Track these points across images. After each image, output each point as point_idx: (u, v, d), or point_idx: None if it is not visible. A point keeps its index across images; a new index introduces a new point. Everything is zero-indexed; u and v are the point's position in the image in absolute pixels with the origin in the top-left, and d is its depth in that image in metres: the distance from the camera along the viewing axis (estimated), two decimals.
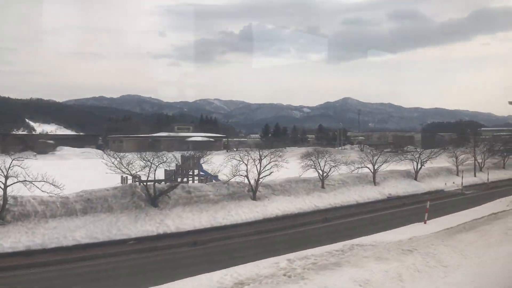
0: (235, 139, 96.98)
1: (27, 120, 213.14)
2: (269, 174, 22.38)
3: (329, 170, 26.11)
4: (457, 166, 37.86)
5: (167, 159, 21.22)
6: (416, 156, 33.30)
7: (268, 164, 22.47)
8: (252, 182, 21.97)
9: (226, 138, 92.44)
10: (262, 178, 22.28)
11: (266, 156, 22.85)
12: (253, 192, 21.99)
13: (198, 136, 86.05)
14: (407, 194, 29.73)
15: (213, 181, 24.87)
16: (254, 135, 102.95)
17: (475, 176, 38.62)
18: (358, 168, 29.50)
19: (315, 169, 25.94)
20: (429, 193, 31.27)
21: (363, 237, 15.79)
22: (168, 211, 18.40)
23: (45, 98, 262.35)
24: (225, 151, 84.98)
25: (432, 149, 38.69)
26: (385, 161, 30.03)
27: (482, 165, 41.42)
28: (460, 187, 33.23)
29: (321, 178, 25.86)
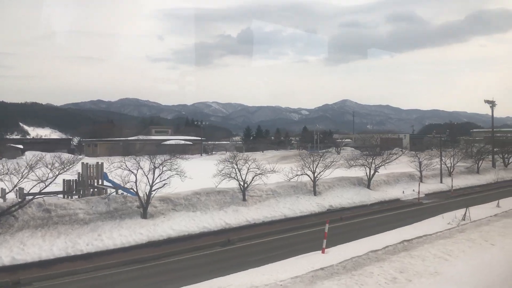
0: (216, 142, 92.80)
1: (21, 124, 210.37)
2: (163, 186, 18.37)
3: (252, 179, 22.07)
4: (420, 171, 33.74)
5: (70, 166, 17.36)
6: (369, 161, 29.18)
7: (162, 174, 18.49)
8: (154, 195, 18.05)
9: (204, 141, 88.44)
10: (155, 190, 18.29)
11: (162, 164, 18.87)
12: (143, 208, 18.00)
13: (174, 140, 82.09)
14: (354, 206, 25.67)
15: (124, 193, 20.83)
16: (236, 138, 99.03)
17: (441, 182, 34.46)
18: (297, 175, 25.43)
19: (235, 178, 21.89)
20: (381, 203, 27.29)
21: (232, 276, 11.80)
22: (9, 237, 14.39)
23: (43, 102, 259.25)
24: (203, 155, 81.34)
25: (391, 152, 34.63)
26: (327, 167, 25.98)
27: (452, 170, 37.27)
28: (420, 196, 29.20)
29: (242, 188, 21.82)
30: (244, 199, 21.55)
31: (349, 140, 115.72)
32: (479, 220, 19.17)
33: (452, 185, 33.41)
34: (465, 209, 19.85)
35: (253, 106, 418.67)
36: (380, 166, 29.42)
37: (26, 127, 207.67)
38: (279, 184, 24.19)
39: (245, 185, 21.70)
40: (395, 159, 32.68)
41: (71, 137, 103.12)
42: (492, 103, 44.31)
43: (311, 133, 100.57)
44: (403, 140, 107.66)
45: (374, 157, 29.99)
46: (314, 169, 25.25)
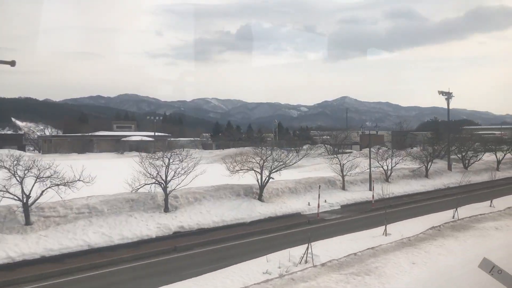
0: (186, 138, 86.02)
1: (13, 119, 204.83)
2: None
3: (42, 193, 15.39)
4: (342, 176, 26.86)
5: None
6: (260, 163, 22.32)
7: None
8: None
9: (170, 137, 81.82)
10: None
11: None
12: None
13: (136, 136, 75.60)
14: (223, 225, 19.02)
15: None
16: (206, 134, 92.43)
17: (370, 189, 27.55)
18: (143, 185, 18.70)
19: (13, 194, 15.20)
20: (269, 220, 20.64)
21: None
22: None
23: (40, 98, 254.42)
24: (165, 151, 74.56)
25: (303, 149, 27.82)
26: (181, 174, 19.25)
27: (389, 174, 30.39)
28: (330, 209, 22.46)
29: (24, 207, 15.14)
30: (27, 223, 14.86)
31: (327, 136, 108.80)
32: (344, 258, 12.37)
33: (383, 193, 26.52)
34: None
35: (253, 102, 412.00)
36: (276, 171, 22.56)
37: (18, 122, 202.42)
38: (106, 198, 17.46)
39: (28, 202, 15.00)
40: (301, 157, 25.77)
41: (22, 133, 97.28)
42: (448, 95, 37.17)
43: (287, 130, 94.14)
44: (384, 137, 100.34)
45: (271, 156, 23.09)
46: (166, 176, 18.53)
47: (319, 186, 23.93)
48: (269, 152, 22.79)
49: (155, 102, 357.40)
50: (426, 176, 33.31)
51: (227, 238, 17.43)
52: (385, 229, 15.44)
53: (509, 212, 18.84)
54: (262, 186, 22.14)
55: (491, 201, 21.85)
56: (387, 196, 27.15)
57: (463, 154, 38.62)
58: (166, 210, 18.46)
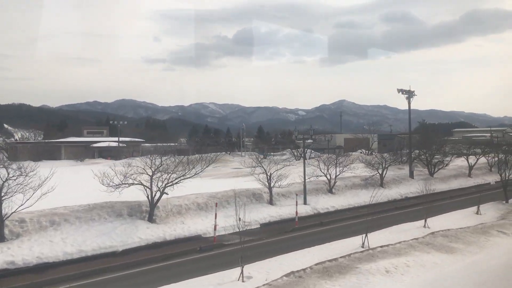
0: (164, 143, 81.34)
1: (5, 126, 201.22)
2: None
3: None
4: (270, 188, 22.53)
5: None
6: (152, 175, 18.01)
7: None
8: None
9: (144, 143, 77.56)
10: None
11: None
12: None
13: (106, 141, 71.47)
14: (85, 256, 14.70)
15: None
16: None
17: (305, 203, 23.21)
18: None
19: None
20: (155, 246, 16.32)
21: None
22: None
23: (37, 105, 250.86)
24: (138, 157, 70.53)
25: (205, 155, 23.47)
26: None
27: (333, 183, 26.09)
28: (246, 229, 18.12)
29: None
30: None
31: (310, 141, 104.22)
32: None
33: (319, 207, 22.31)
34: None
35: (251, 106, 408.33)
36: (171, 184, 18.26)
37: (10, 128, 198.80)
38: None
39: None
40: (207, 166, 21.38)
41: None
42: (409, 94, 32.74)
43: (267, 134, 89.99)
44: (370, 140, 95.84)
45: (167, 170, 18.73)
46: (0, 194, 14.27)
47: (216, 203, 19.50)
48: (159, 161, 18.44)
49: (153, 107, 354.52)
50: (381, 185, 28.94)
51: (72, 277, 13.18)
52: (242, 272, 11.11)
53: (431, 240, 14.47)
54: (152, 204, 17.86)
55: (425, 220, 17.50)
56: (325, 211, 23.05)
57: (428, 159, 34.20)
58: (1, 239, 14.20)
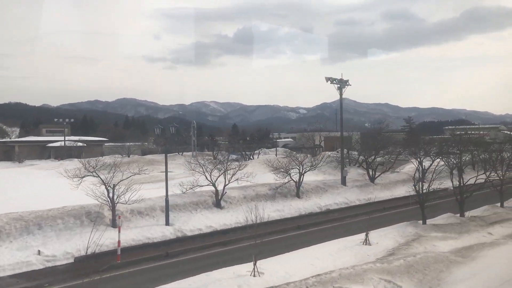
0: (131, 143, 75.89)
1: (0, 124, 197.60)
2: None
3: None
4: (112, 206, 16.91)
5: None
6: None
7: None
8: None
9: (107, 142, 72.33)
10: None
11: None
12: None
13: (64, 141, 66.24)
14: None
15: None
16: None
17: (167, 223, 17.62)
18: None
19: None
20: None
21: None
22: None
23: (39, 104, 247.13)
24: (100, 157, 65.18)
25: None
26: None
27: (222, 194, 20.42)
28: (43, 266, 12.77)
29: None
30: None
31: (290, 139, 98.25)
32: None
33: (185, 229, 16.77)
34: None
35: (252, 105, 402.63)
36: None
37: (6, 128, 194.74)
38: None
39: None
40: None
41: None
42: (340, 83, 26.87)
43: (242, 133, 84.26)
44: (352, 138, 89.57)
45: None
46: None
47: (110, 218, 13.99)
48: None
49: (154, 106, 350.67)
50: (297, 195, 23.24)
51: None
52: None
53: None
54: None
55: (255, 264, 11.71)
56: (196, 233, 17.55)
57: (367, 161, 28.44)
58: None
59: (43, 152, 66.06)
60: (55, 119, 70.52)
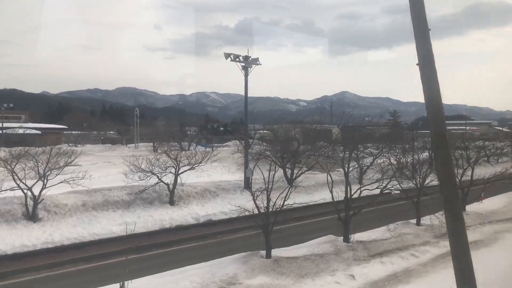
0: (100, 132, 70.81)
1: None
2: None
3: None
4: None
5: None
6: None
7: None
8: None
9: (67, 130, 67.19)
10: None
11: None
12: None
13: (16, 128, 61.12)
14: None
15: None
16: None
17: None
18: None
19: None
20: None
21: None
22: None
23: (38, 91, 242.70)
24: (63, 145, 59.93)
25: None
26: None
27: (37, 202, 15.05)
28: None
29: None
30: None
31: (266, 131, 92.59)
32: None
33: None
34: None
35: (252, 96, 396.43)
36: None
37: None
38: None
39: None
40: None
41: None
42: (246, 61, 21.33)
43: (213, 125, 79.08)
44: (332, 132, 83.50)
45: None
46: None
47: None
48: None
49: (153, 95, 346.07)
50: (170, 201, 17.84)
51: None
52: None
53: None
54: None
55: None
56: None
57: (285, 161, 23.02)
58: None
59: None
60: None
